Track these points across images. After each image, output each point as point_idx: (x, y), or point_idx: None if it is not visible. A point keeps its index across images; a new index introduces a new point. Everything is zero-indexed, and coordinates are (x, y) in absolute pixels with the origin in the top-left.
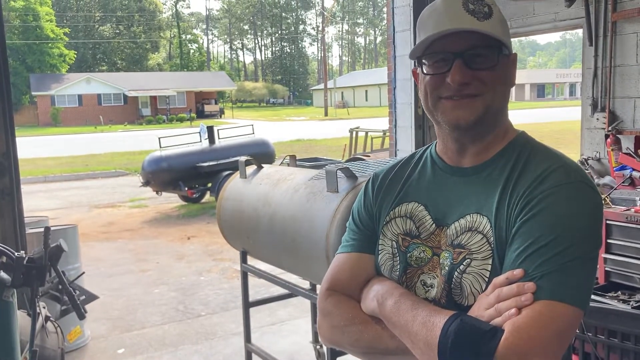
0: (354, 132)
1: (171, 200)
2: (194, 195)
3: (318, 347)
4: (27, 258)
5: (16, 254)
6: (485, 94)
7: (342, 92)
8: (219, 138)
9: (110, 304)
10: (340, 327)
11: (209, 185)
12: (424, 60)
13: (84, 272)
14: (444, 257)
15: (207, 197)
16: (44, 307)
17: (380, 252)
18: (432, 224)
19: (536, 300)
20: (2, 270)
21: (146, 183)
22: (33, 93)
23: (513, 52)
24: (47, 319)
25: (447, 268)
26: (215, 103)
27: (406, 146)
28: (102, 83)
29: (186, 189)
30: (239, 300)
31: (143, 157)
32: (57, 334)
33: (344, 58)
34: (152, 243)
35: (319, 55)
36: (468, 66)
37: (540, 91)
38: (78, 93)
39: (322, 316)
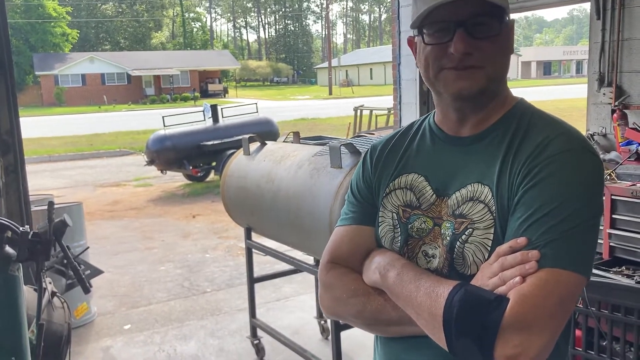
0: (359, 111)
1: (176, 179)
2: (199, 174)
3: (322, 322)
4: (32, 233)
5: (21, 228)
6: (487, 66)
7: (346, 71)
8: (222, 117)
9: (117, 281)
10: (342, 300)
11: (214, 164)
12: (424, 30)
13: (88, 247)
14: (445, 227)
15: (212, 175)
16: (50, 283)
17: (380, 224)
18: (433, 194)
19: (540, 268)
20: (7, 245)
21: (151, 162)
22: (37, 73)
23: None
24: (53, 294)
25: (448, 238)
26: (219, 82)
27: None
28: (105, 62)
29: (190, 167)
30: (244, 277)
31: (147, 136)
32: (63, 309)
33: (348, 36)
34: (158, 221)
35: (323, 33)
36: (470, 35)
37: (547, 69)
38: (81, 72)
39: (323, 289)
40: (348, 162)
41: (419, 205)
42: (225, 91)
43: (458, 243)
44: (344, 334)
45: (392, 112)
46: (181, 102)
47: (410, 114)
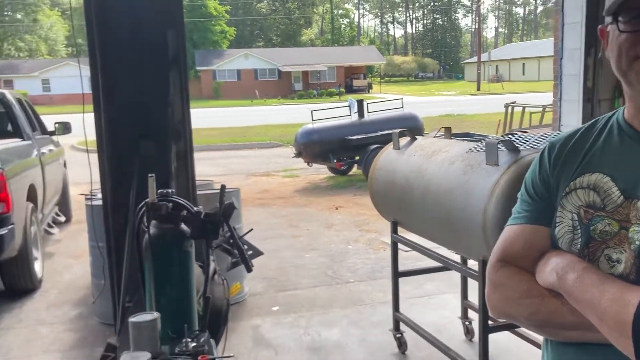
0: (510, 107)
1: (320, 172)
2: (342, 168)
3: (467, 323)
4: (204, 213)
5: (195, 208)
6: None
7: (496, 66)
8: (367, 112)
9: (266, 264)
10: (514, 299)
11: (357, 158)
12: (619, 17)
13: (252, 229)
14: (634, 231)
15: (355, 169)
16: (213, 261)
17: (558, 224)
18: (620, 196)
19: None
20: (182, 223)
21: (298, 154)
22: (197, 68)
23: None
24: (215, 271)
25: (638, 243)
26: (364, 78)
27: (571, 121)
28: (258, 58)
29: (335, 161)
30: (385, 270)
31: (296, 129)
32: (223, 286)
33: (499, 30)
34: (303, 211)
35: (473, 27)
36: None
37: None
38: (237, 68)
39: (492, 288)
40: (505, 159)
41: (604, 207)
42: (369, 87)
43: None
44: (489, 337)
45: (547, 109)
46: (327, 97)
47: (572, 112)
